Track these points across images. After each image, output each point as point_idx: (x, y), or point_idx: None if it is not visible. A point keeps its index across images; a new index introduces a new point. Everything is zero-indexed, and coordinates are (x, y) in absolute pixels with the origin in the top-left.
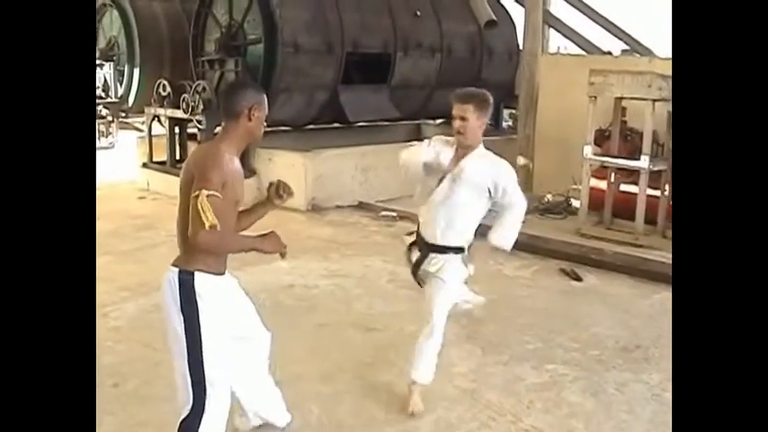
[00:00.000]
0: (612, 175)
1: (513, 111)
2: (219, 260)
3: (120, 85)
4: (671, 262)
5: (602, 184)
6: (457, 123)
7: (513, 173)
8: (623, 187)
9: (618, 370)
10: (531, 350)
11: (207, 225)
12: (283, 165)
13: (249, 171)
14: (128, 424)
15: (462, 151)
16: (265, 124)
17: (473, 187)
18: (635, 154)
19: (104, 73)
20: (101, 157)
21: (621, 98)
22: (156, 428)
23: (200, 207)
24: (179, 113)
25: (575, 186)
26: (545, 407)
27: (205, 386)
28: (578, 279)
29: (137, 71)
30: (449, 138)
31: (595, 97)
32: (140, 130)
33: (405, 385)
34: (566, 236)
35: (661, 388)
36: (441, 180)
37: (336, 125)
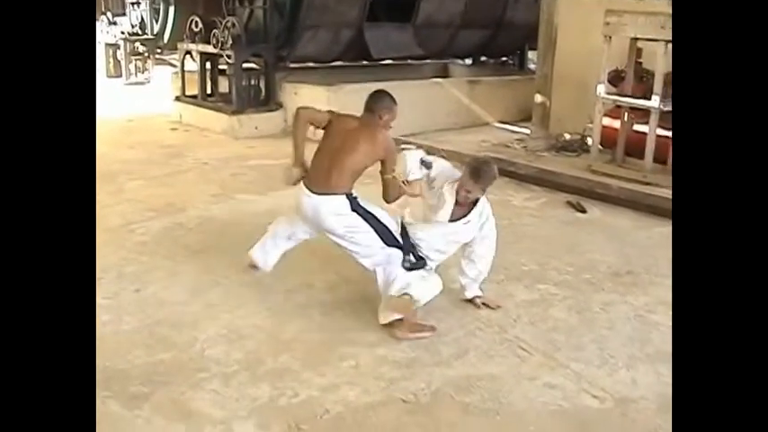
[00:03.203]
0: (626, 114)
1: None
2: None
3: (156, 22)
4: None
5: (616, 124)
6: (461, 195)
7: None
8: (637, 127)
9: (606, 292)
10: (525, 271)
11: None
12: (308, 98)
13: (276, 104)
14: (146, 323)
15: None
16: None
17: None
18: (649, 94)
19: (141, 11)
20: (137, 92)
21: (636, 39)
22: (170, 326)
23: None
24: (210, 49)
25: (590, 125)
26: (531, 321)
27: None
28: (583, 211)
29: (171, 9)
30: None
31: (610, 37)
32: (175, 66)
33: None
34: (576, 171)
35: (645, 309)
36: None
37: (364, 63)
